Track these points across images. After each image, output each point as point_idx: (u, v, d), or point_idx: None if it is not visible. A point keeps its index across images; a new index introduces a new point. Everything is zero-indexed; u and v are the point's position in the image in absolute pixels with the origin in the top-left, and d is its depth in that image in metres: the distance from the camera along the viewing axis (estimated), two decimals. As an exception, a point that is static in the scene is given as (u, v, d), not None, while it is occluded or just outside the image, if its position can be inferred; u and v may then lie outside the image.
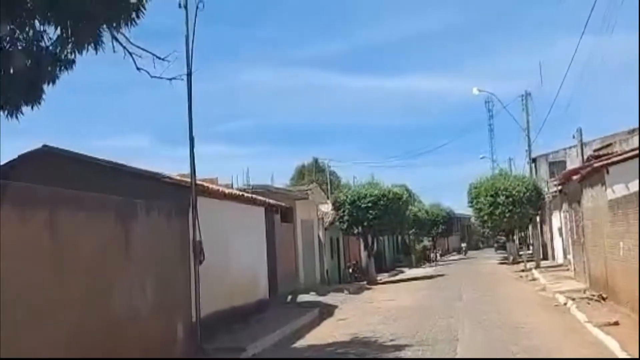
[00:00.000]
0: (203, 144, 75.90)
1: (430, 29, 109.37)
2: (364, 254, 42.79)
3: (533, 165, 44.33)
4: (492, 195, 33.51)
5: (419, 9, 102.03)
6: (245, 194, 21.16)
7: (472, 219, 54.95)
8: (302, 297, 23.89)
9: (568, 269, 30.86)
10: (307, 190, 29.30)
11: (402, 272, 46.22)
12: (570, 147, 45.49)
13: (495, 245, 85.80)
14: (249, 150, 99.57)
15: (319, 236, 33.49)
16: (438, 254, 64.70)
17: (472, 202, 45.59)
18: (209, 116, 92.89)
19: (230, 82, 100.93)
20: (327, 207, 34.92)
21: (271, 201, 22.74)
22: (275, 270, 24.39)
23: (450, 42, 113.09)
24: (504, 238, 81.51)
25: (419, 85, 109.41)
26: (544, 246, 45.86)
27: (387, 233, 37.35)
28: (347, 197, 33.88)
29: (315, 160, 70.69)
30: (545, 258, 43.96)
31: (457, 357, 12.20)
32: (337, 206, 34.28)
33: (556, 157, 44.63)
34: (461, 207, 68.50)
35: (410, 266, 50.89)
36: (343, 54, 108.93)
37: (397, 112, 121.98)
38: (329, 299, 24.33)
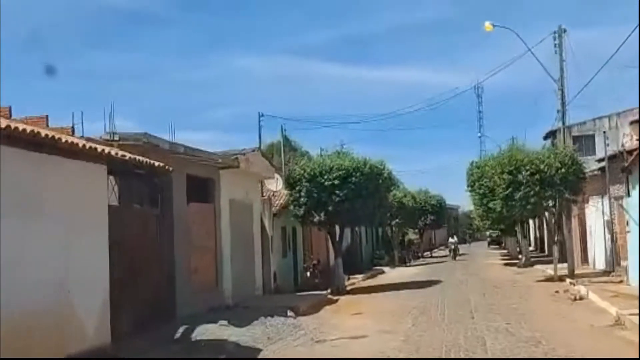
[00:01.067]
0: (188, 132, 74.41)
1: (418, 20, 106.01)
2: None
3: (552, 141, 34.28)
4: (510, 172, 23.40)
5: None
6: (87, 145, 10.93)
7: (472, 208, 45.03)
8: (204, 330, 13.72)
9: (622, 281, 20.99)
10: (238, 155, 19.04)
11: (381, 272, 36.14)
12: (600, 118, 35.63)
13: (488, 239, 76.47)
14: (237, 138, 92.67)
15: (264, 225, 23.31)
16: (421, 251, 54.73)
17: (472, 186, 35.63)
18: (194, 104, 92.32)
19: (215, 70, 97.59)
20: (277, 185, 24.69)
21: (143, 160, 12.46)
22: (159, 282, 14.29)
23: (438, 34, 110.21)
24: (497, 232, 72.92)
25: (406, 76, 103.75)
26: (564, 245, 35.97)
27: (361, 222, 27.14)
28: (304, 170, 23.70)
29: (286, 137, 60.23)
30: (564, 261, 34.11)
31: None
32: (290, 183, 24.10)
33: (582, 129, 34.65)
34: (448, 198, 59.51)
35: (393, 264, 40.89)
36: (327, 44, 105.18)
37: (381, 102, 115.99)
38: (252, 332, 14.13)
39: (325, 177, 23.40)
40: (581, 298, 18.52)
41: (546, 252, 44.84)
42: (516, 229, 48.93)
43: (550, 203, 23.46)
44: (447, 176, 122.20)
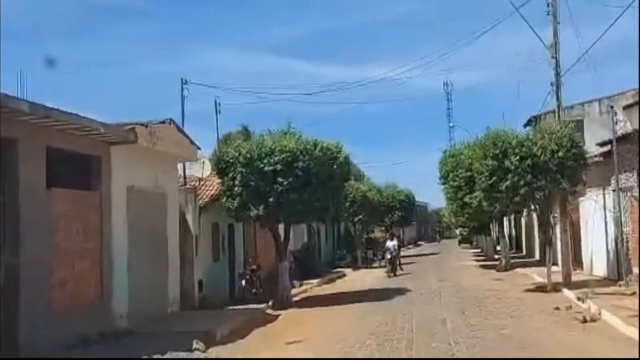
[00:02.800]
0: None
1: (392, 17, 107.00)
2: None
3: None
4: (495, 157, 18.60)
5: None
6: None
7: (444, 204, 40.37)
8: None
9: (635, 292, 16.36)
10: (136, 126, 13.87)
11: (342, 276, 31.24)
12: (589, 102, 31.17)
13: (459, 238, 72.18)
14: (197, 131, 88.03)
15: (186, 221, 18.25)
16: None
17: (446, 178, 30.99)
18: (162, 97, 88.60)
19: (191, 64, 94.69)
20: (205, 170, 19.60)
21: None
22: None
23: (413, 31, 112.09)
24: (467, 230, 68.62)
25: (380, 73, 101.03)
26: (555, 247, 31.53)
27: (311, 217, 22.05)
28: (238, 153, 18.67)
29: (245, 128, 55.02)
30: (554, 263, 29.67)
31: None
32: (221, 169, 19.05)
33: (571, 115, 30.04)
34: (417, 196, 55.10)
35: (355, 266, 36.05)
36: (302, 40, 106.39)
37: (356, 99, 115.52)
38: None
39: (266, 161, 18.41)
40: (592, 319, 13.76)
41: (524, 253, 40.41)
42: (491, 227, 44.83)
43: (542, 195, 18.76)
44: (415, 174, 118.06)
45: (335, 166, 19.50)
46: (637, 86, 17.60)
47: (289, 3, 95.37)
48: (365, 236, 39.30)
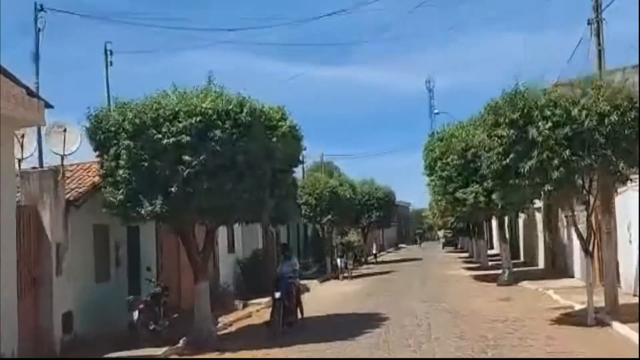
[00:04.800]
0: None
1: (375, 19, 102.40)
2: (226, 266, 21.51)
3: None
4: (513, 124, 12.11)
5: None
6: None
7: (430, 202, 33.97)
8: None
9: None
10: None
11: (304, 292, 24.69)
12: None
13: (443, 241, 66.02)
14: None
15: (40, 224, 11.65)
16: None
17: (432, 169, 24.67)
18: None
19: (165, 63, 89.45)
20: (75, 144, 12.89)
21: None
22: None
23: (397, 34, 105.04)
24: (450, 232, 62.47)
25: (361, 75, 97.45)
26: (555, 251, 25.29)
27: (237, 217, 14.69)
28: (123, 117, 12.12)
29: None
30: (559, 271, 23.48)
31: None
32: (98, 142, 12.49)
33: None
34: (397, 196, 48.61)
35: (324, 277, 29.58)
36: (282, 41, 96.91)
37: (336, 101, 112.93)
38: None
39: (165, 129, 11.91)
40: None
41: (522, 259, 34.09)
42: (484, 228, 38.61)
43: (585, 179, 12.44)
44: (397, 173, 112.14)
45: (274, 139, 13.03)
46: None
47: (267, 4, 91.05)
48: (339, 240, 32.76)
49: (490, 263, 32.54)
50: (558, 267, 24.95)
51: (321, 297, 22.29)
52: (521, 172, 12.32)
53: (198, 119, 11.93)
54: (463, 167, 22.80)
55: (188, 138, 11.85)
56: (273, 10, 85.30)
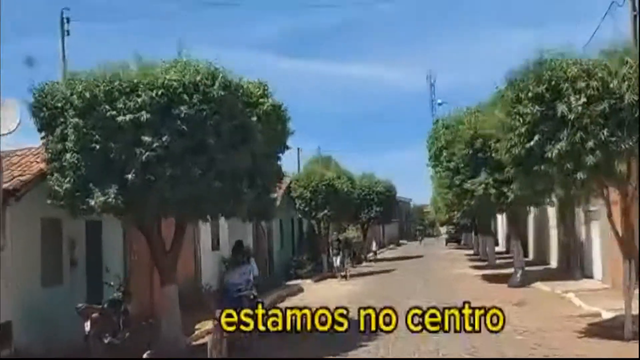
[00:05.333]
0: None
1: (373, 15, 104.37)
2: (209, 265, 19.61)
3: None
4: (539, 98, 10.10)
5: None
6: None
7: (432, 195, 31.85)
8: None
9: None
10: None
11: (293, 294, 22.66)
12: None
13: (446, 237, 63.96)
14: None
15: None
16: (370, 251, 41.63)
17: (437, 159, 22.68)
18: None
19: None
20: (13, 121, 10.82)
21: None
22: None
23: (393, 30, 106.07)
24: (454, 228, 60.36)
25: (359, 72, 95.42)
26: (570, 249, 23.18)
27: (209, 211, 12.52)
28: (71, 91, 10.05)
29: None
30: (574, 271, 21.44)
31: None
32: (44, 121, 10.45)
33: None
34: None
35: (319, 276, 27.52)
36: (279, 37, 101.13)
37: (334, 97, 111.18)
38: None
39: (121, 105, 9.85)
40: None
41: (530, 257, 31.86)
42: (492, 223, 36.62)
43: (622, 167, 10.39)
44: (398, 168, 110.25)
45: (255, 119, 10.97)
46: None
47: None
48: (335, 237, 30.75)
49: (497, 261, 30.53)
50: (573, 267, 22.89)
51: (313, 300, 20.22)
52: (548, 157, 10.25)
53: (160, 92, 9.87)
54: (471, 157, 20.73)
55: (148, 115, 9.80)
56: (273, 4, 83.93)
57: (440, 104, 45.22)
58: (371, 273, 30.10)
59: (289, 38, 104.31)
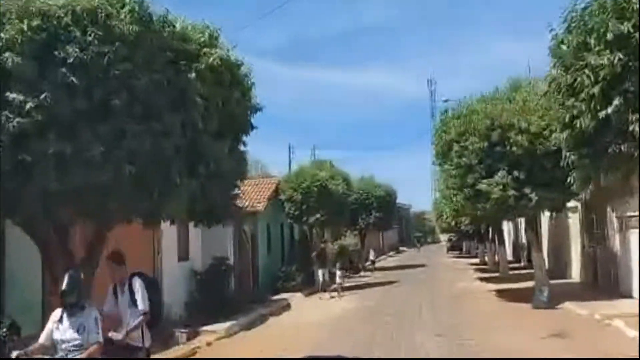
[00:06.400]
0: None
1: (375, 22, 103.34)
2: (173, 280, 15.93)
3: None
4: (619, 40, 6.47)
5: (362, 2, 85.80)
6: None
7: (437, 198, 28.04)
8: None
9: None
10: None
11: (278, 312, 18.88)
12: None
13: (447, 245, 60.08)
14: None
15: None
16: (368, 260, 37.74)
17: (445, 156, 19.02)
18: None
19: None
20: None
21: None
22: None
23: (397, 37, 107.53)
24: (455, 235, 56.56)
25: (362, 79, 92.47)
26: (605, 261, 19.41)
27: (119, 210, 8.63)
28: None
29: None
30: (605, 287, 17.67)
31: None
32: None
33: None
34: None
35: (310, 289, 23.68)
36: (282, 44, 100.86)
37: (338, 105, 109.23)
38: None
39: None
40: None
41: (548, 266, 27.74)
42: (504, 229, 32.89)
43: None
44: (395, 176, 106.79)
45: (194, 75, 7.27)
46: None
47: (269, 8, 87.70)
48: (321, 249, 26.49)
49: (510, 272, 26.77)
50: (604, 282, 19.19)
51: (300, 322, 16.50)
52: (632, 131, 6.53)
53: (37, 23, 6.19)
54: (486, 153, 17.06)
55: (19, 59, 6.12)
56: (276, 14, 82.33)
57: (445, 101, 41.35)
58: (369, 285, 26.33)
59: (289, 46, 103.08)
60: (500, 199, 16.81)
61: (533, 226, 20.95)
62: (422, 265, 37.65)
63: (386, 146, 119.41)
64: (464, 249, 55.82)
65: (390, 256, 53.29)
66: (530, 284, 18.99)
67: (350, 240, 36.36)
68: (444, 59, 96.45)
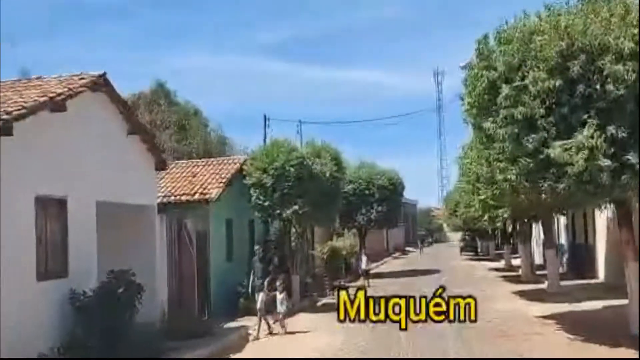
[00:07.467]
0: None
1: (381, 21, 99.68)
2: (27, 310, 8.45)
3: None
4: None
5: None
6: None
7: (458, 181, 20.56)
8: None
9: None
10: None
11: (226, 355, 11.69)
12: None
13: (462, 244, 52.70)
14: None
15: None
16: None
17: (489, 102, 11.67)
18: None
19: (168, 67, 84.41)
20: None
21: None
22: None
23: (401, 36, 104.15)
24: (468, 234, 49.61)
25: (369, 77, 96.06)
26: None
27: None
28: None
29: (161, 85, 35.91)
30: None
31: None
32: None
33: None
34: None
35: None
36: (289, 43, 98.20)
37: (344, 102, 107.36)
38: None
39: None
40: None
41: (605, 278, 20.04)
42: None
43: None
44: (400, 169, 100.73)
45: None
46: None
47: (269, 6, 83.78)
48: (270, 254, 18.35)
49: (545, 281, 19.40)
50: None
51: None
52: None
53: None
54: (561, 97, 9.99)
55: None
56: (277, 12, 77.56)
57: (463, 68, 34.07)
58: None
59: (289, 43, 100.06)
60: (586, 172, 9.72)
61: (583, 221, 13.70)
62: (436, 272, 30.28)
63: (388, 142, 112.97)
64: (479, 250, 48.74)
65: (396, 258, 46.03)
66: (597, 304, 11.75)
67: (347, 241, 29.15)
68: (445, 60, 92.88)
